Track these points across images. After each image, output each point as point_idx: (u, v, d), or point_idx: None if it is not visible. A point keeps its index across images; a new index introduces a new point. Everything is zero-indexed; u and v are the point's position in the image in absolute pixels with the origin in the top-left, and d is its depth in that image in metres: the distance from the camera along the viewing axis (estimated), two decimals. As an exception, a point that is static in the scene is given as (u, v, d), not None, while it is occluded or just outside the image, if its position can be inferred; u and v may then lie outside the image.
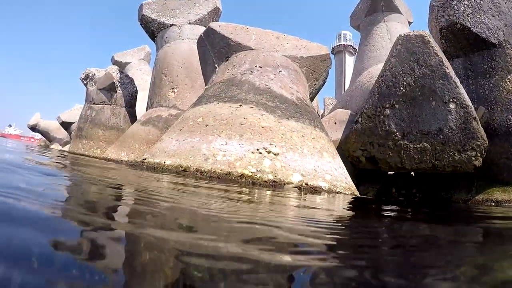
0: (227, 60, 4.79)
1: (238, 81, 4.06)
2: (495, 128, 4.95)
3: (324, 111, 13.33)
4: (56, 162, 3.86)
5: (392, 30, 8.63)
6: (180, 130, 3.48)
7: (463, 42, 5.32)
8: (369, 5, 9.08)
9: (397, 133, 4.55)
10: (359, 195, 3.25)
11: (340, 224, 1.67)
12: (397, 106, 4.56)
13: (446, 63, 4.47)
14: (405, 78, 4.51)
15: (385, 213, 2.40)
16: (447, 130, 4.32)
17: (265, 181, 2.63)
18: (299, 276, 0.79)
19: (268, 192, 2.30)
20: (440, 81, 4.34)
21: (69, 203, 1.33)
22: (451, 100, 4.31)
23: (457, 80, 4.45)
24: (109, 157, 7.59)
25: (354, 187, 3.36)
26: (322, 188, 2.79)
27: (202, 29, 6.62)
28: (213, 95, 3.94)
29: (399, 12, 8.96)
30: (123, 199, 1.69)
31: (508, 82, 4.98)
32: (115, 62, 15.75)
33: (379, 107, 4.66)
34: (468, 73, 5.39)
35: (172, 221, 1.17)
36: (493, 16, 5.21)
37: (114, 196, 1.73)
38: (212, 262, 0.75)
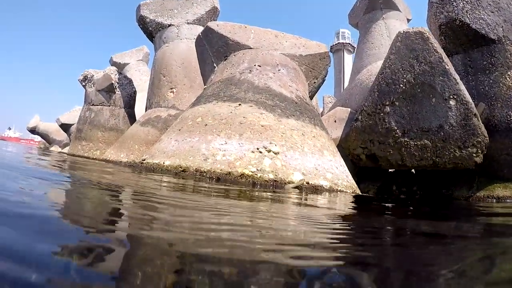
0: (226, 59, 4.77)
1: (237, 80, 4.04)
2: (495, 124, 4.93)
3: (323, 109, 13.31)
4: (53, 166, 3.84)
5: (390, 27, 8.61)
6: (179, 130, 3.46)
7: (463, 39, 5.30)
8: (367, 2, 9.06)
9: (398, 131, 4.53)
10: (360, 193, 3.23)
11: (344, 223, 1.65)
12: (397, 103, 4.54)
13: (446, 59, 4.45)
14: (404, 75, 4.49)
15: (390, 213, 2.38)
16: (447, 127, 4.30)
17: (265, 180, 2.60)
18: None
19: (268, 195, 2.28)
20: (440, 77, 4.33)
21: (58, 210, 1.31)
22: (451, 96, 4.29)
23: (457, 77, 4.43)
24: (108, 159, 7.57)
25: (355, 185, 3.34)
26: (324, 187, 2.77)
27: (200, 28, 6.60)
28: (212, 95, 3.92)
29: (398, 9, 8.94)
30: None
31: (508, 78, 4.96)
32: (113, 63, 15.72)
33: (379, 104, 4.64)
34: (468, 69, 5.37)
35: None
36: (492, 12, 5.19)
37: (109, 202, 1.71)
38: None
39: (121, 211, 1.37)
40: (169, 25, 9.03)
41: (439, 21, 5.37)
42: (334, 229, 1.42)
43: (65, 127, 16.98)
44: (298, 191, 2.56)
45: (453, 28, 5.26)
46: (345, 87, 12.54)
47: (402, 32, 4.63)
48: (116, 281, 0.64)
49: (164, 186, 2.23)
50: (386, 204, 2.86)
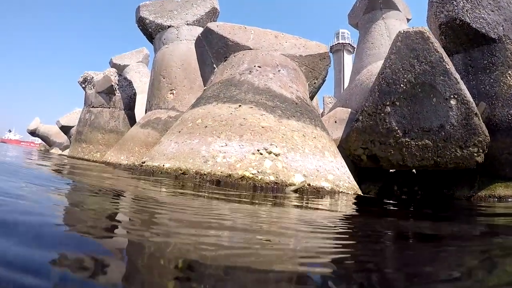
0: (226, 60, 4.76)
1: (237, 81, 4.02)
2: (496, 124, 4.91)
3: (323, 110, 13.29)
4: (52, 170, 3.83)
5: (390, 27, 8.59)
6: (179, 132, 3.44)
7: (463, 38, 5.28)
8: (367, 2, 9.05)
9: (398, 131, 4.51)
10: (362, 194, 3.21)
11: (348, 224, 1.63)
12: (397, 103, 4.52)
13: (446, 59, 4.44)
14: (405, 75, 4.48)
15: (393, 215, 2.37)
16: (448, 127, 4.28)
17: (266, 182, 2.58)
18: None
19: (269, 201, 2.26)
20: (441, 77, 4.31)
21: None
22: (452, 96, 4.28)
23: (457, 76, 4.41)
24: (108, 161, 7.55)
25: (357, 186, 3.32)
26: (325, 189, 2.75)
27: (200, 29, 6.59)
28: (212, 96, 3.90)
29: (398, 9, 8.93)
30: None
31: (508, 77, 4.95)
32: (113, 65, 15.71)
33: (379, 104, 4.62)
34: (468, 68, 5.35)
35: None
36: (492, 11, 5.17)
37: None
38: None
39: (117, 218, 1.35)
40: (169, 26, 9.02)
41: (439, 20, 5.36)
42: (336, 233, 1.40)
43: (65, 129, 16.97)
44: (298, 195, 2.52)
45: (453, 28, 5.24)
46: (345, 88, 12.53)
47: (402, 31, 4.62)
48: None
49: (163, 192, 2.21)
50: (388, 206, 2.85)
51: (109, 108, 10.07)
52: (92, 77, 10.37)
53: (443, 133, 4.31)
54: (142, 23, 9.22)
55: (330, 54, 5.63)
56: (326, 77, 5.33)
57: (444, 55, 4.46)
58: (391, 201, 3.69)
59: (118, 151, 7.84)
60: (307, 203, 2.22)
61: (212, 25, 5.02)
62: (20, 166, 3.41)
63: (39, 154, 8.41)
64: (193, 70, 8.14)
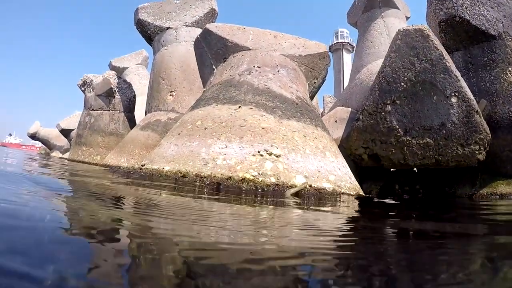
0: (225, 61, 4.74)
1: (236, 82, 4.00)
2: (497, 121, 4.89)
3: (323, 109, 13.26)
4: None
5: (390, 25, 8.57)
6: (179, 134, 3.42)
7: (463, 35, 5.26)
8: (366, 1, 9.03)
9: (399, 129, 4.49)
10: (364, 195, 3.19)
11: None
12: (398, 102, 4.50)
13: (447, 56, 4.42)
14: (405, 73, 4.45)
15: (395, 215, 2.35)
16: (449, 125, 4.26)
17: (267, 184, 2.56)
18: None
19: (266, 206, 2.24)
20: (441, 75, 4.29)
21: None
22: (452, 94, 4.25)
23: (458, 74, 4.39)
24: (109, 164, 7.53)
25: (359, 186, 3.29)
26: (327, 190, 2.73)
27: (198, 31, 6.57)
28: (211, 97, 3.88)
29: (397, 7, 8.90)
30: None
31: (509, 74, 4.92)
32: (112, 68, 15.71)
33: (380, 103, 4.60)
34: (469, 66, 5.33)
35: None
36: (491, 7, 5.15)
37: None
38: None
39: (117, 223, 1.33)
40: (168, 28, 9.00)
41: (439, 18, 5.34)
42: (338, 236, 1.39)
43: (66, 132, 16.98)
44: (299, 199, 2.48)
45: (453, 25, 5.22)
46: (345, 87, 12.50)
47: (402, 30, 4.60)
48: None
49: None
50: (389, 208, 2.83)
51: (109, 110, 10.06)
52: (92, 80, 10.36)
53: (444, 131, 4.28)
54: (141, 25, 9.21)
55: (330, 54, 5.61)
56: (326, 76, 5.30)
57: (444, 52, 4.43)
58: (393, 202, 3.66)
59: (118, 153, 7.83)
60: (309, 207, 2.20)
61: (210, 26, 5.01)
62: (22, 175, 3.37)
63: (39, 160, 8.37)
64: (192, 71, 8.12)
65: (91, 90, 10.24)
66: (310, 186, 2.67)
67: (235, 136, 3.05)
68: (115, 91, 10.07)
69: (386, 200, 3.73)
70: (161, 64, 8.85)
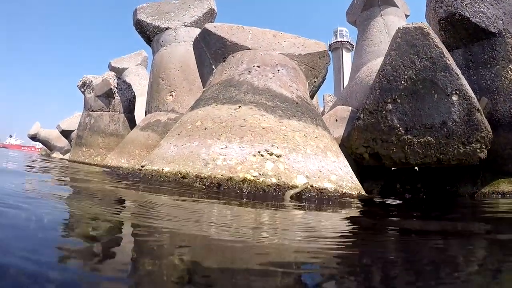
0: (224, 60, 4.72)
1: (236, 81, 3.98)
2: (498, 119, 4.87)
3: (324, 108, 13.24)
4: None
5: (389, 24, 8.54)
6: (179, 134, 3.40)
7: (463, 33, 5.24)
8: (365, 0, 9.00)
9: (400, 128, 4.47)
10: (366, 194, 3.16)
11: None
12: (399, 100, 4.48)
13: (447, 54, 4.39)
14: (406, 72, 4.43)
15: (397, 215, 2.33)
16: (450, 123, 4.24)
17: (268, 185, 2.53)
18: None
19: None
20: (442, 73, 4.27)
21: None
22: (453, 92, 4.23)
23: (458, 72, 4.37)
24: (109, 164, 7.52)
25: (360, 186, 3.27)
26: (328, 190, 2.70)
27: (197, 31, 6.54)
28: (211, 97, 3.86)
29: (396, 5, 8.87)
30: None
31: (509, 71, 4.91)
32: (112, 68, 15.68)
33: (380, 102, 4.58)
34: (469, 64, 5.31)
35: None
36: (491, 5, 5.13)
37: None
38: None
39: (117, 226, 1.32)
40: (166, 28, 8.98)
41: (439, 15, 5.32)
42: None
43: (66, 133, 16.97)
44: (299, 202, 2.43)
45: (453, 23, 5.20)
46: (344, 86, 12.48)
47: (402, 28, 4.58)
48: None
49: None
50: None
51: (109, 111, 10.05)
52: (91, 81, 10.34)
53: (445, 130, 4.26)
54: (139, 26, 9.19)
55: (329, 52, 5.58)
56: (326, 75, 5.28)
57: (445, 50, 4.41)
58: (395, 202, 3.65)
59: (119, 154, 7.81)
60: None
61: (209, 26, 4.98)
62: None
63: (40, 162, 8.34)
64: (192, 71, 8.10)
65: (91, 91, 10.22)
66: (312, 186, 2.65)
67: (235, 136, 3.03)
68: (114, 91, 10.06)
69: (389, 200, 3.71)
70: (161, 65, 8.83)
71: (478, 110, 4.19)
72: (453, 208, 3.52)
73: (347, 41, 37.30)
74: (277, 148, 2.90)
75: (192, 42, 5.68)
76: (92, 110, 10.08)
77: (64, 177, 3.86)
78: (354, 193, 2.87)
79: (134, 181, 3.00)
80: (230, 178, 2.59)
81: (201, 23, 8.75)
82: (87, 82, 10.40)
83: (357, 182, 3.27)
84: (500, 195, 4.73)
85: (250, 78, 3.97)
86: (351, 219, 2.04)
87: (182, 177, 2.69)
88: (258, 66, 4.17)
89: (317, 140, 3.29)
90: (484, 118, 4.27)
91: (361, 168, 5.16)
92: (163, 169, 2.91)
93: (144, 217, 1.48)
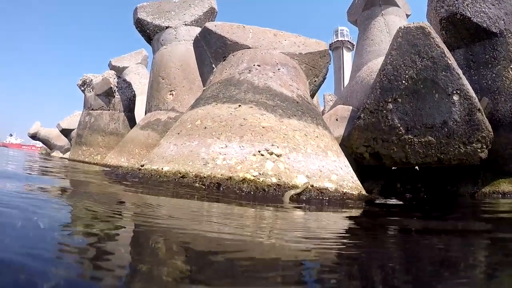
0: (225, 59, 4.70)
1: (236, 80, 3.97)
2: (499, 119, 4.86)
3: (324, 107, 13.22)
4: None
5: (390, 23, 8.52)
6: (178, 134, 3.38)
7: (464, 33, 5.22)
8: (366, -1, 8.98)
9: (401, 128, 4.45)
10: (366, 194, 3.15)
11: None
12: (399, 100, 4.47)
13: (448, 54, 4.38)
14: (407, 71, 4.42)
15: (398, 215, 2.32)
16: (451, 123, 4.23)
17: (268, 185, 2.52)
18: None
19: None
20: (443, 73, 4.25)
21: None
22: (454, 92, 4.22)
23: (459, 72, 4.35)
24: (109, 163, 7.51)
25: (361, 185, 3.25)
26: (329, 190, 2.69)
27: (198, 30, 6.53)
28: (211, 96, 3.85)
29: (397, 5, 8.85)
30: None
31: (510, 72, 4.90)
32: (112, 67, 15.67)
33: (381, 101, 4.57)
34: (470, 63, 5.29)
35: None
36: (493, 5, 5.11)
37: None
38: None
39: (116, 226, 1.31)
40: (167, 27, 8.97)
41: (440, 15, 5.30)
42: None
43: (66, 132, 16.97)
44: (298, 203, 2.39)
45: (454, 22, 5.18)
46: (345, 85, 12.46)
47: (403, 27, 4.56)
48: None
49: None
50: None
51: (109, 110, 10.04)
52: (91, 80, 10.34)
53: (446, 130, 4.25)
54: (140, 25, 9.17)
55: (330, 52, 5.57)
56: (326, 75, 5.27)
57: (446, 50, 4.40)
58: (397, 202, 3.63)
59: (119, 153, 7.81)
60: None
61: (210, 25, 4.97)
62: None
63: (40, 162, 8.33)
64: (192, 70, 8.09)
65: (91, 90, 10.21)
66: (312, 186, 2.63)
67: (235, 136, 3.02)
68: (114, 90, 10.05)
69: (390, 200, 3.70)
70: (161, 63, 8.82)
71: (479, 110, 4.18)
72: (453, 208, 3.52)
73: (348, 41, 37.30)
74: (277, 147, 2.89)
75: (193, 41, 5.66)
76: (92, 109, 10.08)
77: (64, 177, 3.85)
78: (355, 193, 2.86)
79: (133, 182, 2.98)
80: (230, 177, 2.57)
81: (202, 22, 8.74)
82: (87, 81, 10.40)
83: (358, 182, 3.25)
84: (500, 195, 4.72)
85: (250, 77, 3.96)
86: (352, 219, 2.03)
87: (181, 177, 2.67)
88: (259, 65, 4.16)
89: (317, 139, 3.28)
90: (485, 118, 4.26)
91: (362, 167, 5.15)
92: (162, 169, 2.90)
93: (144, 216, 1.48)
